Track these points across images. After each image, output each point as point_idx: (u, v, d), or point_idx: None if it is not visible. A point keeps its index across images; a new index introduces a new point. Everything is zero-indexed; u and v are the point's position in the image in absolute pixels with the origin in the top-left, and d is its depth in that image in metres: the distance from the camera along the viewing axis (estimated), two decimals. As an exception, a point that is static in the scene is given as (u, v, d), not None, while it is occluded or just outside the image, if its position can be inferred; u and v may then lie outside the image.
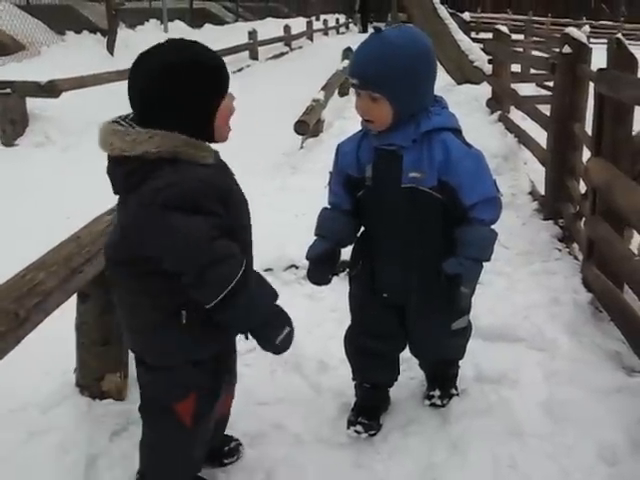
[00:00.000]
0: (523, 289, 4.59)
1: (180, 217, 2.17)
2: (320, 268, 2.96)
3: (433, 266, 2.83)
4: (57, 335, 3.34)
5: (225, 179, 2.37)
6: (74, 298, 3.02)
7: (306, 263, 3.00)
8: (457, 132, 2.82)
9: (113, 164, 2.28)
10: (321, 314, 4.21)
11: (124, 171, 2.25)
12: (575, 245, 5.31)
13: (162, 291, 2.30)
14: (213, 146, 2.39)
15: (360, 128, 2.94)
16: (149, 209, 2.18)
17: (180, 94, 2.23)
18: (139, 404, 2.63)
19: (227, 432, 3.03)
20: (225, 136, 2.41)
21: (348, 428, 3.14)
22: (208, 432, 2.67)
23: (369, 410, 3.20)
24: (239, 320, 2.31)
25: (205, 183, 2.23)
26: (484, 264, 2.85)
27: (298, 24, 29.92)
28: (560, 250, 5.30)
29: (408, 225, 2.84)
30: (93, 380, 3.33)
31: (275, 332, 2.35)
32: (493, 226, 2.84)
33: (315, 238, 2.99)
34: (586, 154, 5.16)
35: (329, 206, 3.03)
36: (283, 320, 2.38)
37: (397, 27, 2.77)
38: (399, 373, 3.28)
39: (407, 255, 2.90)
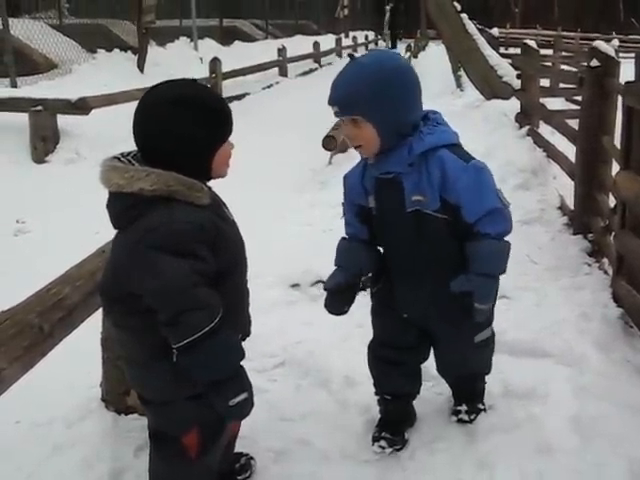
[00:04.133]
0: (552, 304, 4.53)
1: (165, 259, 2.17)
2: (338, 299, 2.96)
3: (448, 284, 2.80)
4: (83, 349, 3.35)
5: (217, 222, 2.33)
6: (99, 312, 3.02)
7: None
8: (454, 147, 2.76)
9: (112, 199, 2.31)
10: (347, 330, 4.18)
11: (121, 207, 2.28)
12: (605, 260, 5.24)
13: (152, 329, 2.26)
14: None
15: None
16: (137, 248, 2.21)
17: (181, 134, 2.26)
18: (148, 432, 2.61)
19: (250, 448, 3.02)
20: (224, 174, 2.43)
21: (373, 444, 3.12)
22: (215, 463, 2.64)
23: (393, 425, 3.17)
24: (198, 368, 2.27)
25: (194, 226, 2.23)
26: (510, 278, 2.81)
27: (327, 41, 30.03)
28: (589, 265, 5.23)
29: (419, 247, 2.82)
30: (118, 395, 3.34)
31: (230, 393, 2.29)
32: (510, 237, 2.78)
33: (335, 268, 2.99)
34: (615, 167, 5.11)
35: (346, 236, 3.02)
36: (242, 384, 2.34)
37: (370, 52, 2.80)
38: (421, 384, 3.26)
39: (421, 276, 2.89)
